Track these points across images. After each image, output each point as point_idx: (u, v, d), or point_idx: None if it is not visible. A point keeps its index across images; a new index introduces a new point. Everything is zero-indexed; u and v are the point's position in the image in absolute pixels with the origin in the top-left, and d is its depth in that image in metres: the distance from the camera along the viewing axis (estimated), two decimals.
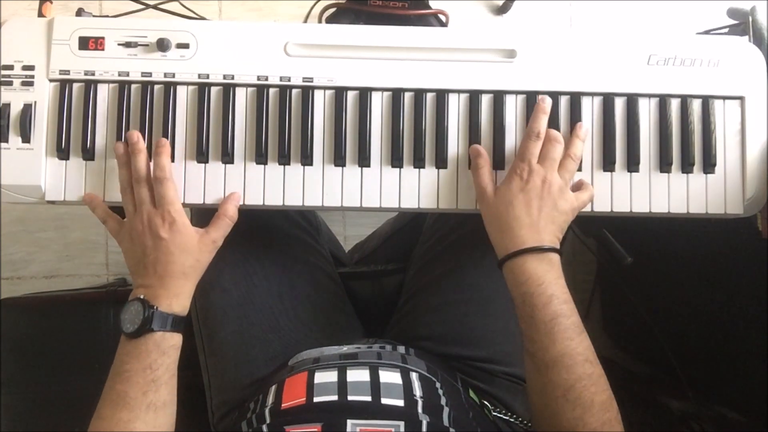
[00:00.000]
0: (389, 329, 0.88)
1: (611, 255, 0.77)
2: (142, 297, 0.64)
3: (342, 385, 0.63)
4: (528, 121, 0.73)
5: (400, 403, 0.60)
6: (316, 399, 0.61)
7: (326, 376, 0.64)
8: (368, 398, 0.61)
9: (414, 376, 0.66)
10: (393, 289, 0.93)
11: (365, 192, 0.73)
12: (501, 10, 1.46)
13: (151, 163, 0.69)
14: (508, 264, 0.66)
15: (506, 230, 0.66)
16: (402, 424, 0.57)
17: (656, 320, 1.01)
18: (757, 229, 0.76)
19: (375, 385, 0.62)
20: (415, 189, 0.73)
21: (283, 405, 0.62)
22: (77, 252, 1.40)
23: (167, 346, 0.64)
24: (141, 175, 0.67)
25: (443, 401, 0.63)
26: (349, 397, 0.61)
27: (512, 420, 0.76)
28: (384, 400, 0.61)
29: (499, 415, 0.76)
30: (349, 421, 0.57)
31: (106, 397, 0.62)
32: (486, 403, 0.76)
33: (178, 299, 0.66)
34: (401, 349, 0.76)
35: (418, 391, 0.63)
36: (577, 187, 0.72)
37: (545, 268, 0.64)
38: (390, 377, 0.64)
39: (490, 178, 0.70)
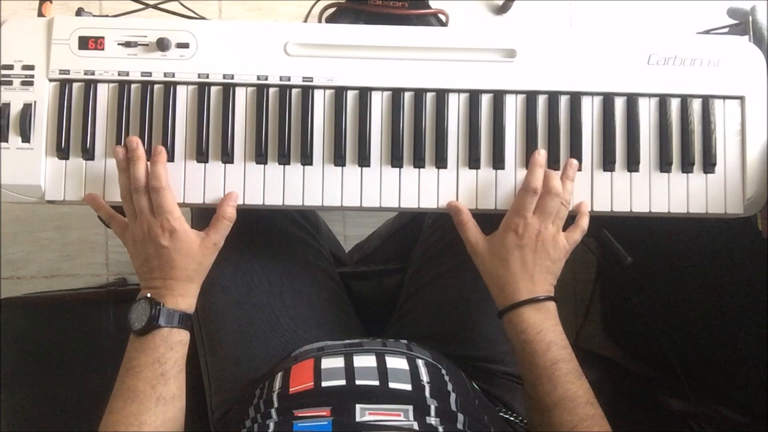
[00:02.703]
0: (389, 329, 0.88)
1: (611, 255, 0.77)
2: (148, 296, 0.66)
3: (349, 371, 0.63)
4: (527, 121, 0.73)
5: (408, 387, 0.61)
6: (324, 384, 0.62)
7: (333, 362, 0.65)
8: (376, 383, 0.61)
9: (420, 362, 0.66)
10: (393, 288, 0.93)
11: (365, 192, 0.73)
12: (501, 10, 1.46)
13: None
14: (507, 315, 0.68)
15: (504, 285, 0.68)
16: (410, 407, 0.57)
17: (656, 320, 1.01)
18: (757, 229, 0.76)
19: (382, 371, 0.63)
20: (415, 189, 0.73)
21: (290, 390, 0.62)
22: (77, 252, 1.40)
23: (174, 341, 0.65)
24: (140, 184, 0.67)
25: (450, 387, 0.63)
26: (357, 382, 0.61)
27: (512, 419, 0.76)
28: (392, 385, 0.61)
29: (499, 414, 0.76)
30: (358, 406, 0.57)
31: (116, 392, 0.63)
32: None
33: (184, 298, 0.67)
34: (404, 341, 0.76)
35: (425, 377, 0.63)
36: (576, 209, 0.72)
37: (543, 317, 0.67)
38: (397, 363, 0.65)
39: (477, 231, 0.71)
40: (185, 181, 0.72)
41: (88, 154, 0.71)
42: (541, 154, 0.71)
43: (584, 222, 0.71)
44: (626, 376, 1.20)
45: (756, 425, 0.88)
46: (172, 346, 0.65)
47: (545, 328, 0.66)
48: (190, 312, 0.68)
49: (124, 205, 0.69)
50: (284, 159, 0.72)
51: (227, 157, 0.72)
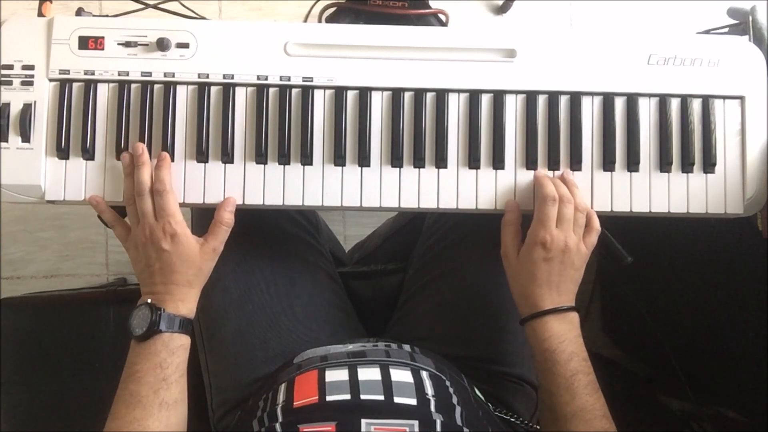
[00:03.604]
0: (389, 329, 0.88)
1: (611, 255, 0.77)
2: (149, 301, 0.66)
3: (354, 384, 0.63)
4: (527, 121, 0.73)
5: (413, 402, 0.61)
6: (328, 398, 0.61)
7: (337, 375, 0.65)
8: (381, 397, 0.61)
9: (424, 374, 0.66)
10: (393, 288, 0.93)
11: (365, 192, 0.73)
12: (501, 10, 1.45)
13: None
14: (530, 323, 0.69)
15: (529, 294, 0.69)
16: (416, 423, 0.57)
17: (656, 320, 1.01)
18: (757, 229, 0.76)
19: (387, 384, 0.63)
20: (415, 189, 0.73)
21: (295, 403, 0.62)
22: (77, 252, 1.40)
23: (175, 345, 0.65)
24: (143, 188, 0.68)
25: (454, 400, 0.63)
26: (362, 396, 0.61)
27: (513, 420, 0.76)
28: (397, 399, 0.61)
29: (499, 415, 0.76)
30: (363, 421, 0.57)
31: (119, 398, 0.63)
32: (488, 403, 0.76)
33: (184, 303, 0.68)
34: (407, 347, 0.76)
35: (429, 390, 0.63)
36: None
37: (566, 327, 0.68)
38: (401, 376, 0.64)
39: (516, 238, 0.71)
40: (185, 181, 0.72)
41: (88, 153, 0.71)
42: (539, 172, 0.72)
43: (595, 222, 0.71)
44: (626, 376, 1.20)
45: (756, 425, 0.88)
46: (173, 351, 0.65)
47: (568, 339, 0.67)
48: (190, 317, 0.68)
49: (127, 210, 0.70)
50: (284, 159, 0.72)
51: (227, 157, 0.72)
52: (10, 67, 0.71)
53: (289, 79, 0.73)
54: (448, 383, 0.66)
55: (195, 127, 0.72)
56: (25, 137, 0.70)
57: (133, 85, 0.72)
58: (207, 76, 0.72)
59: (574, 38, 0.74)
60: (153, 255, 0.67)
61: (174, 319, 0.66)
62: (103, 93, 0.72)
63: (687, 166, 0.74)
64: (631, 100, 0.74)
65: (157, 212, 0.67)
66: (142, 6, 0.82)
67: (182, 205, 0.71)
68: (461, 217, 0.82)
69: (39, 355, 0.97)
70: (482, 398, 0.73)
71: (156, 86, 0.72)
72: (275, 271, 0.81)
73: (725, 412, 0.95)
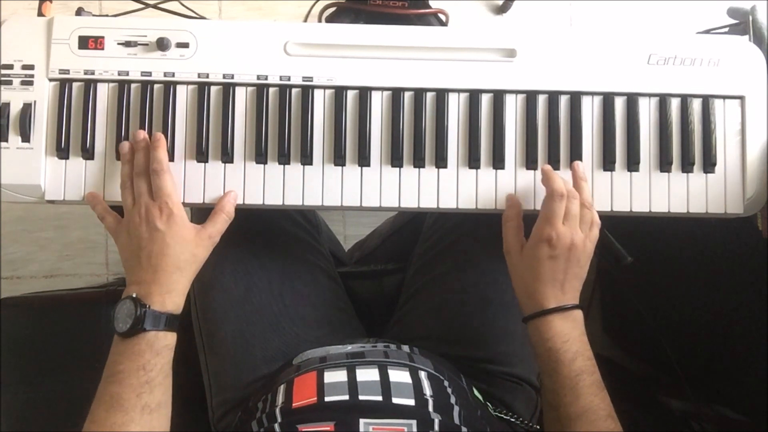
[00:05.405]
0: (389, 329, 0.88)
1: (611, 255, 0.77)
2: (134, 295, 0.64)
3: (352, 385, 0.63)
4: (527, 121, 0.73)
5: (411, 402, 0.61)
6: (327, 398, 0.61)
7: (336, 376, 0.64)
8: (379, 398, 0.61)
9: (423, 374, 0.66)
10: (393, 288, 0.93)
11: (365, 191, 0.73)
12: (501, 10, 1.46)
13: None
14: (533, 322, 0.68)
15: (532, 293, 0.68)
16: (414, 422, 0.57)
17: (656, 320, 1.01)
18: (757, 229, 0.76)
19: (385, 385, 0.62)
20: (414, 189, 0.73)
21: (294, 404, 0.62)
22: (77, 251, 1.40)
23: (161, 346, 0.63)
24: (141, 168, 0.68)
25: (453, 400, 0.63)
26: (360, 397, 0.61)
27: (513, 420, 0.76)
28: (395, 400, 0.61)
29: (499, 415, 0.76)
30: (362, 420, 0.57)
31: (99, 399, 0.62)
32: (488, 403, 0.76)
33: (171, 296, 0.65)
34: (406, 348, 0.76)
35: (427, 390, 0.63)
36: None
37: (570, 326, 0.67)
38: (399, 376, 0.64)
39: (517, 234, 0.70)
40: (185, 180, 0.72)
41: (88, 153, 0.71)
42: (548, 166, 0.71)
43: (594, 215, 0.70)
44: (626, 376, 1.20)
45: (756, 425, 0.87)
46: (158, 352, 0.63)
47: (572, 338, 0.66)
48: (177, 313, 0.66)
49: (122, 193, 0.69)
50: (284, 159, 0.72)
51: (227, 156, 0.72)
52: (10, 66, 0.71)
53: (289, 79, 0.73)
54: (446, 383, 0.66)
55: (195, 127, 0.72)
56: (25, 137, 0.70)
57: (133, 85, 0.72)
58: (207, 76, 0.72)
59: (574, 38, 0.74)
60: (146, 236, 0.65)
61: (160, 316, 0.63)
62: (103, 93, 0.72)
63: (687, 166, 0.74)
64: (631, 99, 0.74)
65: (154, 192, 0.67)
66: (142, 6, 0.82)
67: (182, 205, 0.70)
68: (461, 217, 0.82)
69: (39, 355, 0.97)
70: (481, 398, 0.73)
71: (156, 86, 0.72)
72: (275, 271, 0.81)
73: (725, 412, 0.94)
